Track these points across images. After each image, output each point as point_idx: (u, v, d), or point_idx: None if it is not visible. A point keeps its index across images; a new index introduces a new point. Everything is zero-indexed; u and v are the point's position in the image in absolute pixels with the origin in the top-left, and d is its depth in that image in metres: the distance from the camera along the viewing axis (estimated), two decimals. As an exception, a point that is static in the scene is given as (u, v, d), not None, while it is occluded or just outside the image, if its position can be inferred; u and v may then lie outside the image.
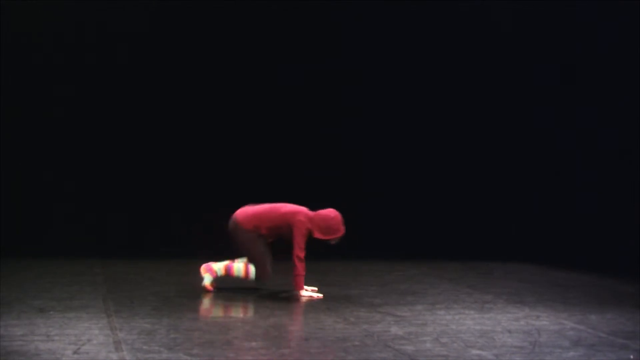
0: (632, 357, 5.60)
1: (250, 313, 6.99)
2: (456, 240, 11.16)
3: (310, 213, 7.49)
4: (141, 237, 10.52)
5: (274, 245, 7.68)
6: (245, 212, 7.61)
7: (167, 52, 10.81)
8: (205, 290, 7.55)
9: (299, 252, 7.36)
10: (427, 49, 11.38)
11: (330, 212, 7.45)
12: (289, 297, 7.44)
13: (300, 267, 7.38)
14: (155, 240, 10.49)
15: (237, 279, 7.61)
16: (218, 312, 7.14)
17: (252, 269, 7.52)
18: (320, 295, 7.48)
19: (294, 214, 7.45)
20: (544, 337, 6.12)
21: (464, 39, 11.48)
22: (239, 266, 7.56)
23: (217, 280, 7.63)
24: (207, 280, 7.59)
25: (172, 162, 10.85)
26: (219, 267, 7.59)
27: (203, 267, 7.63)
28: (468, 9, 11.40)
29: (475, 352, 5.63)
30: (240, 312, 7.11)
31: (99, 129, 10.65)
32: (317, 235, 7.42)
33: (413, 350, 5.62)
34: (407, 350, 5.62)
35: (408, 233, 11.09)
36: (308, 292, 7.49)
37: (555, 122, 11.38)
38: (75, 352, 5.31)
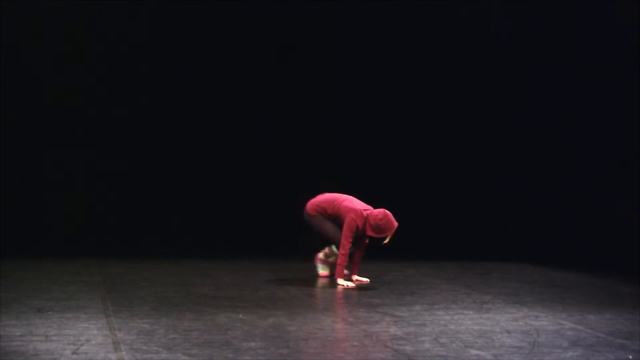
0: (630, 357, 5.60)
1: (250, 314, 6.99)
2: (455, 240, 11.17)
3: (366, 212, 8.02)
4: (139, 237, 10.52)
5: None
6: (312, 201, 8.33)
7: (167, 53, 10.82)
8: (320, 277, 8.42)
9: (345, 244, 7.96)
10: (426, 49, 11.40)
11: (380, 212, 7.99)
12: (290, 297, 7.44)
13: (342, 259, 7.98)
14: (154, 240, 10.50)
15: (334, 254, 8.32)
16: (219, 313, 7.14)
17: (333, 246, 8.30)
18: (353, 285, 8.05)
19: (349, 210, 8.03)
20: (543, 337, 6.12)
21: (464, 40, 11.49)
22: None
23: (325, 266, 8.47)
24: (320, 269, 8.50)
25: (171, 162, 10.86)
26: (321, 254, 8.47)
27: (315, 259, 8.55)
28: (468, 9, 11.41)
29: (474, 352, 5.63)
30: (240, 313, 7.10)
31: (99, 129, 10.65)
32: (370, 233, 7.98)
33: (412, 350, 5.62)
34: (406, 350, 5.62)
35: (407, 233, 11.08)
36: (344, 282, 8.01)
37: (555, 122, 11.37)
38: (74, 353, 5.31)
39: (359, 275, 8.32)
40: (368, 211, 8.03)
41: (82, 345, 5.49)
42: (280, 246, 10.52)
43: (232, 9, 10.93)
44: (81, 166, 10.60)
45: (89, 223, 10.54)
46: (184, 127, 10.89)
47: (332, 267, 8.47)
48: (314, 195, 8.43)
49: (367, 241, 8.21)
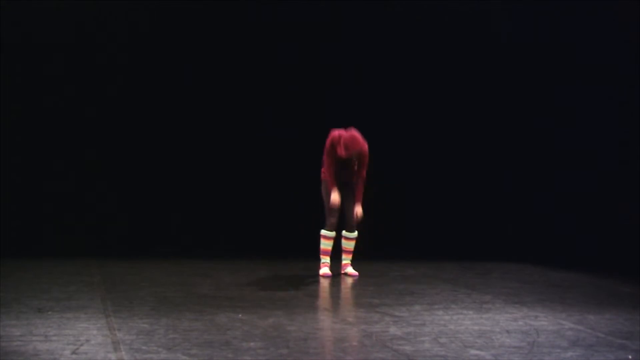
0: (630, 357, 5.60)
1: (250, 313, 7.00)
2: (455, 240, 11.17)
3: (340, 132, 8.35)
4: (139, 237, 10.52)
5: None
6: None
7: (167, 52, 10.82)
8: (321, 277, 8.54)
9: (326, 163, 8.44)
10: (426, 49, 11.40)
11: (350, 132, 8.34)
12: (290, 297, 7.45)
13: (328, 175, 8.42)
14: (154, 240, 10.49)
15: (326, 245, 8.56)
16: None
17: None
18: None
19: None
20: (543, 338, 6.12)
21: (463, 40, 11.49)
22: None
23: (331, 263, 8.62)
24: (321, 270, 8.60)
25: (171, 162, 10.85)
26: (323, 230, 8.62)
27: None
28: (468, 9, 11.41)
29: (473, 352, 5.63)
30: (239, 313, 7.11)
31: (98, 129, 10.65)
32: (340, 151, 8.29)
33: (411, 350, 5.62)
34: (406, 350, 5.62)
35: (406, 233, 11.09)
36: (336, 194, 8.41)
37: (555, 122, 11.38)
38: (73, 353, 5.31)
39: (354, 268, 8.37)
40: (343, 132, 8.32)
41: (82, 345, 5.50)
42: (280, 246, 10.52)
43: (232, 9, 10.93)
44: (81, 166, 10.59)
45: (89, 223, 10.53)
46: (184, 127, 10.88)
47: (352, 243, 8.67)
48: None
49: (363, 171, 8.45)
